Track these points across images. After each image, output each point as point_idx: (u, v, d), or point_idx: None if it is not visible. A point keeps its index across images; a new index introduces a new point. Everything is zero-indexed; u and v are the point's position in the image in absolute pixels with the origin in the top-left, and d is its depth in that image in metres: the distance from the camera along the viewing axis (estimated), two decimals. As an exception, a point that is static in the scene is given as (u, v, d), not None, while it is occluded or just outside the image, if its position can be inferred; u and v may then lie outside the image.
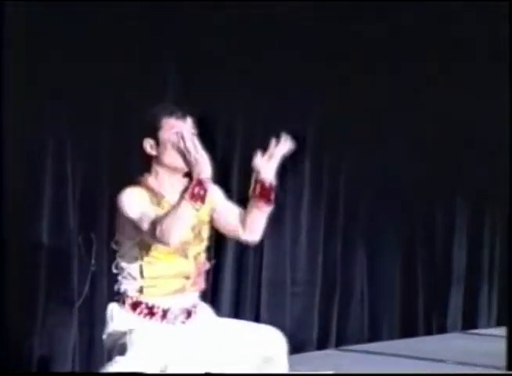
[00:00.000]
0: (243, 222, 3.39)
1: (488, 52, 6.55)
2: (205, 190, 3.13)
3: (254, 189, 3.33)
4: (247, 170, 3.44)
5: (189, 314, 3.29)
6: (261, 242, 5.27)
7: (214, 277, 4.86)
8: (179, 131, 3.24)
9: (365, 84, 5.93)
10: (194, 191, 3.12)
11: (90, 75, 4.65)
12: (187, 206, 3.10)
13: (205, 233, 3.36)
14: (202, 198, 3.14)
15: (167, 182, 3.29)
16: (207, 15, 5.24)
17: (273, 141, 3.27)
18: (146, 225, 3.13)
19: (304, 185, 5.64)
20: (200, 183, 3.13)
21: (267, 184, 3.30)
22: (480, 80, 6.49)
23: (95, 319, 4.41)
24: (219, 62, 5.30)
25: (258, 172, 3.31)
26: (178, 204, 3.12)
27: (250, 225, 3.38)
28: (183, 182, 3.28)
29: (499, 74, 6.31)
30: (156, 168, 3.28)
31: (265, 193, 3.32)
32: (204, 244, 3.36)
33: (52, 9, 4.53)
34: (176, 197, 3.16)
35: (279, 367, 3.38)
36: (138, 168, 3.38)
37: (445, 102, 6.36)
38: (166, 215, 3.12)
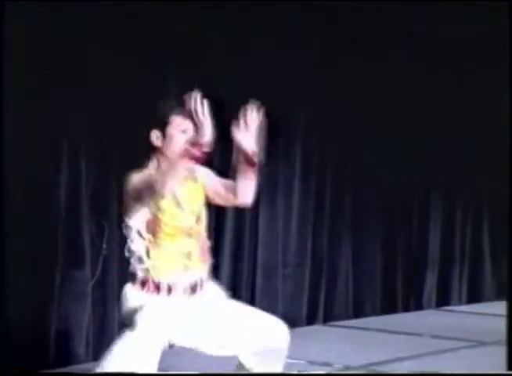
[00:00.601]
0: (234, 190, 3.35)
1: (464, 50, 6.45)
2: (202, 153, 3.12)
3: (238, 158, 3.28)
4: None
5: (193, 289, 3.27)
6: (256, 229, 5.40)
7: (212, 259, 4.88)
8: (184, 128, 3.24)
9: (352, 82, 5.83)
10: (191, 152, 3.12)
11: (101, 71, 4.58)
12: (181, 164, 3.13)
13: (203, 214, 3.35)
14: (197, 159, 3.14)
15: (163, 169, 3.27)
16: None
17: (243, 110, 3.21)
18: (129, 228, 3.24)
19: (294, 177, 5.61)
20: (200, 145, 3.12)
21: (250, 153, 3.25)
22: (450, 78, 6.45)
23: (107, 298, 4.42)
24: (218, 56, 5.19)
25: (240, 143, 3.25)
26: (174, 163, 3.14)
27: (242, 192, 3.35)
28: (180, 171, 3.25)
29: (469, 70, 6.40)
30: (158, 157, 3.28)
31: (249, 161, 3.27)
32: (203, 224, 3.35)
33: (53, 8, 4.33)
34: (171, 186, 3.17)
35: (277, 359, 3.41)
36: (145, 157, 3.36)
37: (421, 102, 6.29)
38: (162, 174, 3.14)
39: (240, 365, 3.40)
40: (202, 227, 3.37)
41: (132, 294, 3.29)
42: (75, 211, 4.53)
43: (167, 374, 2.86)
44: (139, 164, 3.31)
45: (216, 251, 4.81)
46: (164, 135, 3.26)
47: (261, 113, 3.27)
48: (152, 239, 3.28)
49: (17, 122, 4.32)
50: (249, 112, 3.25)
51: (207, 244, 3.40)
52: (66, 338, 4.46)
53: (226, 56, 5.20)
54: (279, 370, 3.46)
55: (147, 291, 3.27)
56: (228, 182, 3.41)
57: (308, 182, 5.69)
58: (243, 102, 3.64)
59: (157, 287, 3.25)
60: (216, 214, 4.75)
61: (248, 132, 3.27)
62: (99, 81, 4.64)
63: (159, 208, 3.22)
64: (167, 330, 3.17)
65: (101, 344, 4.18)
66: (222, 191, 3.42)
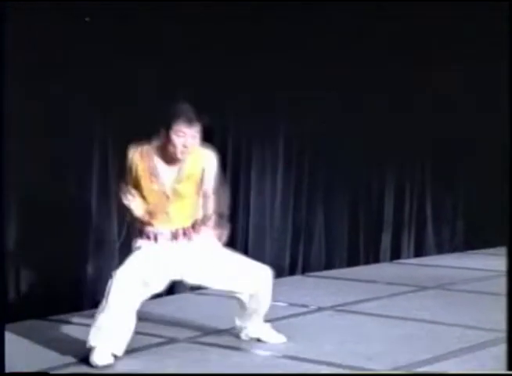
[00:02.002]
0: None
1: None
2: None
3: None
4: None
5: (174, 236, 3.36)
6: (248, 201, 5.41)
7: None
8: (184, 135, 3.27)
9: (324, 78, 5.71)
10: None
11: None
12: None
13: (189, 198, 3.39)
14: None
15: (161, 163, 3.36)
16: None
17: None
18: (124, 186, 3.39)
19: (278, 162, 5.61)
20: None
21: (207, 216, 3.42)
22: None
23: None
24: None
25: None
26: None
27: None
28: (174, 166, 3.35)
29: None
30: (161, 146, 3.35)
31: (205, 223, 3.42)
32: (189, 204, 3.39)
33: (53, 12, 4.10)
34: (164, 175, 3.32)
35: (263, 297, 3.49)
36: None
37: (379, 96, 6.17)
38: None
39: (238, 301, 3.51)
40: (186, 202, 3.39)
41: (137, 243, 3.41)
42: (105, 189, 4.51)
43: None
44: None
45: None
46: (167, 135, 3.30)
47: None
48: (143, 204, 3.36)
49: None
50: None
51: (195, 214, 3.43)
52: (98, 287, 4.38)
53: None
54: (267, 303, 3.56)
55: (142, 239, 3.38)
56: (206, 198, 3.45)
57: (289, 166, 5.68)
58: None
59: (147, 236, 3.38)
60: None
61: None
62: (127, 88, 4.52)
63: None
64: (144, 270, 3.26)
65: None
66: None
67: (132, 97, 4.56)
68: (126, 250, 4.40)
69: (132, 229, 3.52)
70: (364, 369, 3.17)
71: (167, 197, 3.34)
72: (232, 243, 5.08)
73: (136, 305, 3.27)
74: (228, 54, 5.13)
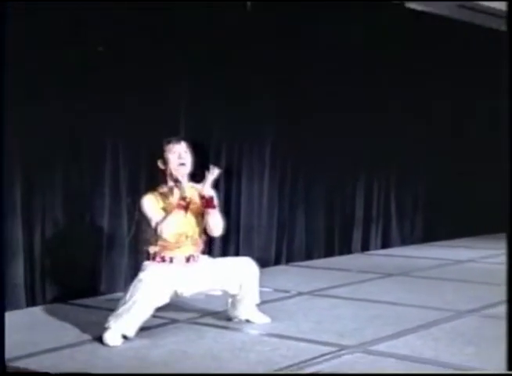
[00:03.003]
0: (206, 226, 3.40)
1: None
2: (187, 203, 3.22)
3: (202, 203, 3.34)
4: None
5: (187, 260, 3.37)
6: (239, 202, 5.33)
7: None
8: (176, 151, 3.29)
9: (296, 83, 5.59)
10: (179, 203, 3.23)
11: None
12: (176, 212, 3.22)
13: (201, 222, 3.39)
14: (184, 207, 3.24)
15: (170, 191, 3.34)
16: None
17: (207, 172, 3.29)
18: (153, 223, 3.26)
19: (265, 167, 5.56)
20: (183, 199, 3.22)
21: (207, 197, 3.32)
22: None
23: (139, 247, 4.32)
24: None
25: (200, 192, 3.33)
26: (170, 212, 3.22)
27: (212, 227, 3.41)
28: (186, 189, 3.29)
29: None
30: (166, 177, 3.34)
31: (208, 204, 3.33)
32: (196, 230, 3.40)
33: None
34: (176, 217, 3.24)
35: (250, 286, 3.49)
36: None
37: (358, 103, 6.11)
38: (164, 217, 3.22)
39: (230, 296, 3.52)
40: (195, 232, 3.37)
41: (147, 264, 3.35)
42: (116, 194, 4.50)
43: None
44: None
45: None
46: (165, 159, 3.31)
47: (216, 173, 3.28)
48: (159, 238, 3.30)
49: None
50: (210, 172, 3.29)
51: (200, 243, 3.44)
52: (110, 276, 4.46)
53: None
54: (255, 294, 3.55)
55: (157, 262, 3.33)
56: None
57: (274, 172, 5.65)
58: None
59: (163, 259, 3.33)
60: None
61: (206, 184, 3.30)
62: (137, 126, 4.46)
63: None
64: (166, 285, 3.24)
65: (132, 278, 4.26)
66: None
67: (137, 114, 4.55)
68: (133, 245, 4.47)
69: (146, 255, 3.44)
70: (336, 345, 3.17)
71: (186, 236, 3.34)
72: (225, 238, 5.06)
73: (158, 303, 3.25)
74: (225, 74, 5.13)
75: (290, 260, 5.77)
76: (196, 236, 3.44)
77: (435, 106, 6.94)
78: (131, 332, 3.22)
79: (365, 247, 6.45)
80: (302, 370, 2.81)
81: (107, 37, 4.32)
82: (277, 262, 5.66)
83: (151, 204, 3.32)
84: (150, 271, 3.28)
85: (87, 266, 4.37)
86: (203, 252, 3.57)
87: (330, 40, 5.87)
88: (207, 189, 3.34)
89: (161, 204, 3.33)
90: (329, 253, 6.10)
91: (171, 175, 3.34)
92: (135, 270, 4.12)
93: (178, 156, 3.32)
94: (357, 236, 6.39)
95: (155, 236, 3.32)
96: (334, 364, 2.88)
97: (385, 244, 6.66)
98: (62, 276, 4.23)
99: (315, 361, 2.91)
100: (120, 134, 4.48)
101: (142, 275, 3.26)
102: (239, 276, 3.48)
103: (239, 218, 5.39)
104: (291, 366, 2.85)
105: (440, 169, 7.05)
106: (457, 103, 7.17)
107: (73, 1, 4.04)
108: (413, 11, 6.61)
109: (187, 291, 3.42)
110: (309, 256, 5.93)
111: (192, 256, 3.41)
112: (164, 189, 3.38)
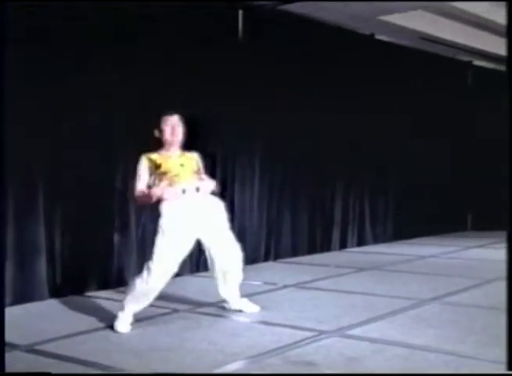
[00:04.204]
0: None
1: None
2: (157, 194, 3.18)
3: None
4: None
5: (197, 189, 3.28)
6: (233, 206, 5.21)
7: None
8: (169, 123, 3.27)
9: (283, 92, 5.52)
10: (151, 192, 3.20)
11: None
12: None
13: (190, 164, 3.34)
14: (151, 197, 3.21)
15: (166, 152, 3.33)
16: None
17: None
18: (136, 183, 3.27)
19: (255, 176, 5.52)
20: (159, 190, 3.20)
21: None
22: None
23: (145, 250, 4.15)
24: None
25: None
26: (145, 191, 3.22)
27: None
28: (177, 152, 3.32)
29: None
30: (161, 144, 3.34)
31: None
32: (190, 168, 3.33)
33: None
34: (170, 161, 3.24)
35: (236, 271, 3.45)
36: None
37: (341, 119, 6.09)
38: (142, 191, 3.22)
39: (215, 279, 3.45)
40: (189, 170, 3.32)
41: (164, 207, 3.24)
42: (124, 195, 4.37)
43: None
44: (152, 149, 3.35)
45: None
46: (160, 129, 3.32)
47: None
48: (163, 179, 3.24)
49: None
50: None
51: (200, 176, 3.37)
52: (121, 271, 4.44)
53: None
54: (239, 279, 3.49)
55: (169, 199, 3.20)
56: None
57: (264, 179, 5.59)
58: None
59: (175, 192, 3.21)
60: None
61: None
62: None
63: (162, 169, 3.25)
64: (177, 218, 3.14)
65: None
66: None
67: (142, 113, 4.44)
68: (141, 244, 4.47)
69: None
70: (317, 330, 3.16)
71: (181, 165, 3.30)
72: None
73: (167, 278, 3.23)
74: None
75: (277, 257, 5.75)
76: (194, 179, 3.32)
77: (398, 123, 6.95)
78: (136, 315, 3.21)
79: (342, 246, 6.44)
80: (287, 352, 2.81)
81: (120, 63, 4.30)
82: (266, 259, 5.64)
83: (141, 166, 3.31)
84: (157, 250, 3.14)
85: (100, 262, 4.35)
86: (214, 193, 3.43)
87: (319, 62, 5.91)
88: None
89: (155, 161, 3.29)
90: (311, 251, 6.07)
91: (166, 142, 3.35)
92: (142, 265, 4.24)
93: (171, 127, 3.32)
94: (336, 236, 6.38)
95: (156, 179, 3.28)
96: (315, 347, 2.88)
97: (360, 243, 6.65)
98: (79, 271, 4.22)
99: (298, 344, 2.91)
100: (130, 137, 4.36)
101: (150, 263, 3.16)
102: (230, 255, 3.41)
103: (233, 220, 5.27)
104: (278, 349, 2.85)
105: (406, 179, 7.11)
106: (418, 119, 7.22)
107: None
108: (382, 41, 6.77)
109: (202, 235, 3.29)
110: (294, 253, 5.90)
111: (196, 187, 3.29)
112: (161, 152, 3.37)
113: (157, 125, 3.36)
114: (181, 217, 3.22)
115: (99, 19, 4.20)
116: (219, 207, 3.41)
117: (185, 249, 3.27)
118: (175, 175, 3.28)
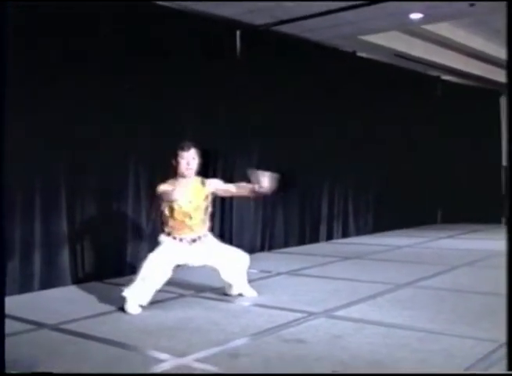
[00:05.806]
0: (235, 188, 3.31)
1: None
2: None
3: (254, 187, 3.22)
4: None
5: (194, 241, 3.30)
6: (231, 210, 5.18)
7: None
8: (185, 157, 3.20)
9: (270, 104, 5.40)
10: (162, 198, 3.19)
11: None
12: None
13: (202, 207, 3.29)
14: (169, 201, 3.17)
15: (180, 181, 3.26)
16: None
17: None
18: (163, 192, 3.16)
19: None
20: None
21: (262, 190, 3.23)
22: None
23: (155, 238, 4.29)
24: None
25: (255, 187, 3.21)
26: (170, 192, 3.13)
27: (238, 193, 3.37)
28: (191, 181, 3.25)
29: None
30: (176, 174, 3.29)
31: (258, 195, 3.32)
32: (202, 211, 3.30)
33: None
34: (184, 190, 3.15)
35: (242, 272, 3.45)
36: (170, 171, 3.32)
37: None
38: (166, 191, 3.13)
39: (224, 282, 3.46)
40: (201, 213, 3.26)
41: (162, 238, 3.30)
42: (137, 196, 4.42)
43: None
44: (168, 177, 3.28)
45: (214, 219, 4.60)
46: (176, 161, 3.28)
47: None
48: (170, 218, 3.24)
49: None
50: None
51: (206, 222, 3.33)
52: (134, 260, 4.29)
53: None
54: (244, 278, 3.50)
55: (169, 238, 3.27)
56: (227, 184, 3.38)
57: None
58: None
59: (174, 238, 3.26)
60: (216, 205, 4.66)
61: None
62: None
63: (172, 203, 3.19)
64: (173, 255, 3.19)
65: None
66: (223, 187, 3.34)
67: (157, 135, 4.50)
68: (151, 236, 4.36)
69: (160, 228, 3.40)
70: (306, 312, 3.13)
71: (190, 217, 3.25)
72: (222, 231, 5.08)
73: (162, 277, 3.24)
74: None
75: (271, 248, 5.72)
76: (200, 218, 3.31)
77: (377, 130, 6.93)
78: (144, 301, 3.21)
79: (329, 237, 6.40)
80: (281, 331, 2.80)
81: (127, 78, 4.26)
82: (261, 249, 5.61)
83: (162, 186, 3.24)
84: (158, 250, 3.22)
85: (116, 252, 4.32)
86: (211, 229, 3.44)
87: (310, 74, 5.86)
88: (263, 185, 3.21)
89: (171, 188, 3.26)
90: (301, 242, 6.04)
91: (180, 174, 3.31)
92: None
93: (187, 161, 3.27)
94: (323, 229, 6.34)
95: (167, 216, 3.27)
96: (305, 326, 2.87)
97: (345, 235, 6.62)
98: (97, 260, 4.19)
99: (290, 324, 2.90)
100: (137, 143, 4.38)
101: (151, 255, 3.21)
102: (232, 268, 3.44)
103: (232, 215, 5.30)
104: (272, 328, 2.85)
105: (384, 180, 7.12)
106: (393, 126, 7.22)
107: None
108: (362, 58, 6.77)
109: (192, 262, 3.35)
110: (286, 244, 5.87)
111: (199, 237, 3.30)
112: (175, 181, 3.32)
113: (174, 155, 3.26)
114: (176, 249, 3.25)
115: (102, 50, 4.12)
116: (208, 239, 3.40)
117: (174, 263, 3.27)
118: (182, 223, 3.23)
